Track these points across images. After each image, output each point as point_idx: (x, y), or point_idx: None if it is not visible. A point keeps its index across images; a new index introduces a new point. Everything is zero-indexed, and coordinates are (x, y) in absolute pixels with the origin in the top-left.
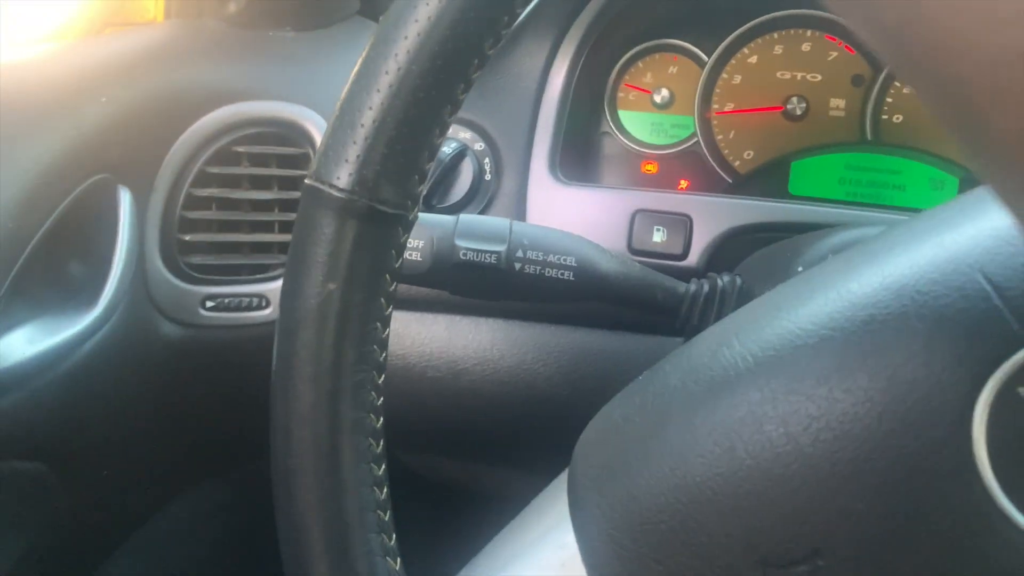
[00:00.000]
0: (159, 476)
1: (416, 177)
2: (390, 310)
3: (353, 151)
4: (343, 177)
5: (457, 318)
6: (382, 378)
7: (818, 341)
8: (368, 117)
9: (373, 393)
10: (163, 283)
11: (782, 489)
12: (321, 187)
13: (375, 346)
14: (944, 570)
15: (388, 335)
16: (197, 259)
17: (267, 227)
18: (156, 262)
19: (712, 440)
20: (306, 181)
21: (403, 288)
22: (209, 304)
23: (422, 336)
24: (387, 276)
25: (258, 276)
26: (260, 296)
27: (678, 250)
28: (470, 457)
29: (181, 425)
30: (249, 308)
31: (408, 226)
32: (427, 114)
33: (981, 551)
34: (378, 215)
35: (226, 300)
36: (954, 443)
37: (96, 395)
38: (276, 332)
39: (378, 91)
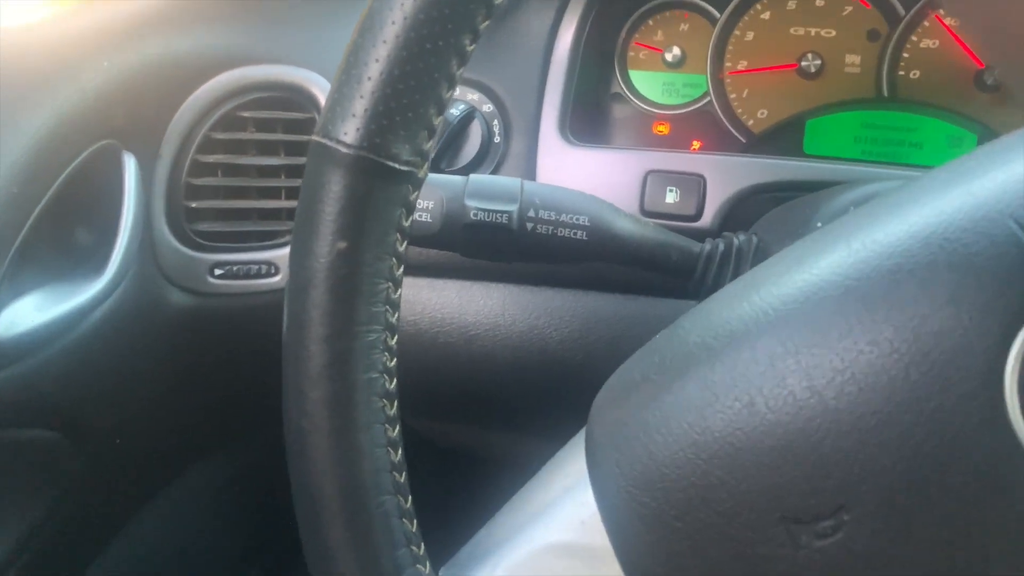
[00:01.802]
0: (173, 445)
1: (425, 132)
2: (401, 271)
3: (360, 105)
4: (350, 132)
5: (468, 283)
6: (395, 340)
7: (842, 293)
8: (375, 70)
9: (386, 354)
10: (170, 251)
11: (805, 444)
12: (328, 143)
13: (387, 307)
14: (972, 523)
15: (400, 296)
16: (204, 226)
17: (274, 193)
18: (163, 229)
19: (732, 395)
20: (313, 138)
21: (414, 253)
22: (217, 272)
23: (433, 302)
24: (397, 235)
25: (266, 243)
26: (269, 263)
27: (691, 211)
28: (483, 423)
29: (193, 394)
30: (258, 275)
31: (418, 183)
32: (435, 66)
33: (1011, 503)
34: (387, 171)
35: (234, 267)
36: (984, 395)
37: (107, 363)
38: (286, 292)
39: (384, 42)
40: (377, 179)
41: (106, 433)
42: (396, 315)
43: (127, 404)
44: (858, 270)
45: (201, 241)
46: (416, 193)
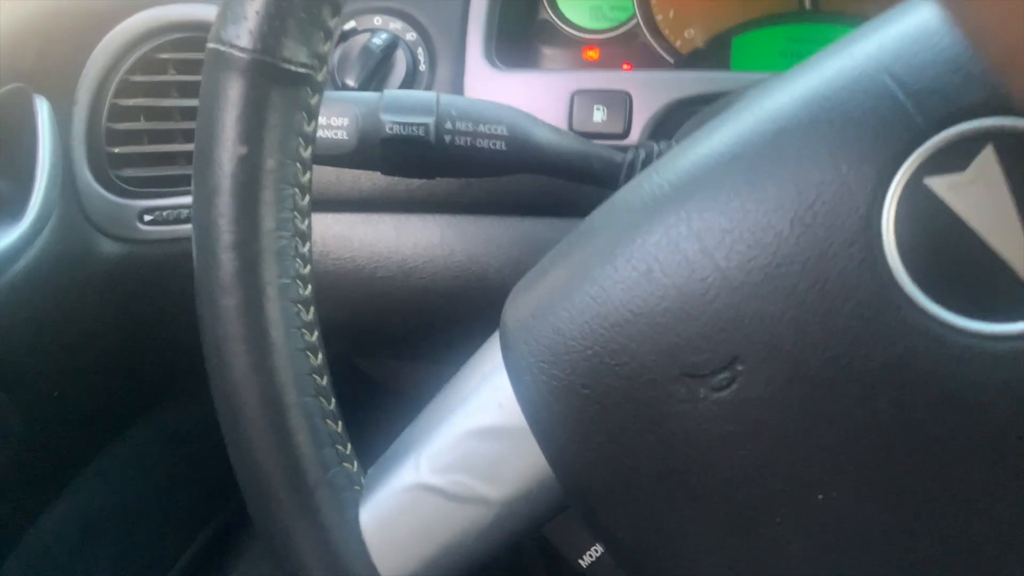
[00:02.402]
0: (115, 399)
1: (321, 34)
2: (307, 177)
3: (251, 7)
4: (243, 36)
5: (404, 216)
6: (307, 247)
7: (730, 159)
8: None
9: (298, 261)
10: (96, 198)
11: (699, 302)
12: (222, 48)
13: (295, 212)
14: (855, 358)
15: (309, 204)
16: (130, 172)
17: None
18: (86, 176)
19: (630, 266)
20: (208, 45)
21: (346, 187)
22: (147, 218)
23: (369, 237)
24: (300, 140)
25: None
26: None
27: (619, 128)
28: (427, 357)
29: (132, 344)
30: (189, 220)
31: (317, 86)
32: None
33: (889, 337)
34: (283, 74)
35: (164, 212)
36: (863, 239)
37: (37, 315)
38: (192, 203)
39: None
40: (274, 82)
41: (44, 387)
42: (306, 222)
43: (63, 356)
44: (744, 137)
45: (128, 187)
46: (316, 96)
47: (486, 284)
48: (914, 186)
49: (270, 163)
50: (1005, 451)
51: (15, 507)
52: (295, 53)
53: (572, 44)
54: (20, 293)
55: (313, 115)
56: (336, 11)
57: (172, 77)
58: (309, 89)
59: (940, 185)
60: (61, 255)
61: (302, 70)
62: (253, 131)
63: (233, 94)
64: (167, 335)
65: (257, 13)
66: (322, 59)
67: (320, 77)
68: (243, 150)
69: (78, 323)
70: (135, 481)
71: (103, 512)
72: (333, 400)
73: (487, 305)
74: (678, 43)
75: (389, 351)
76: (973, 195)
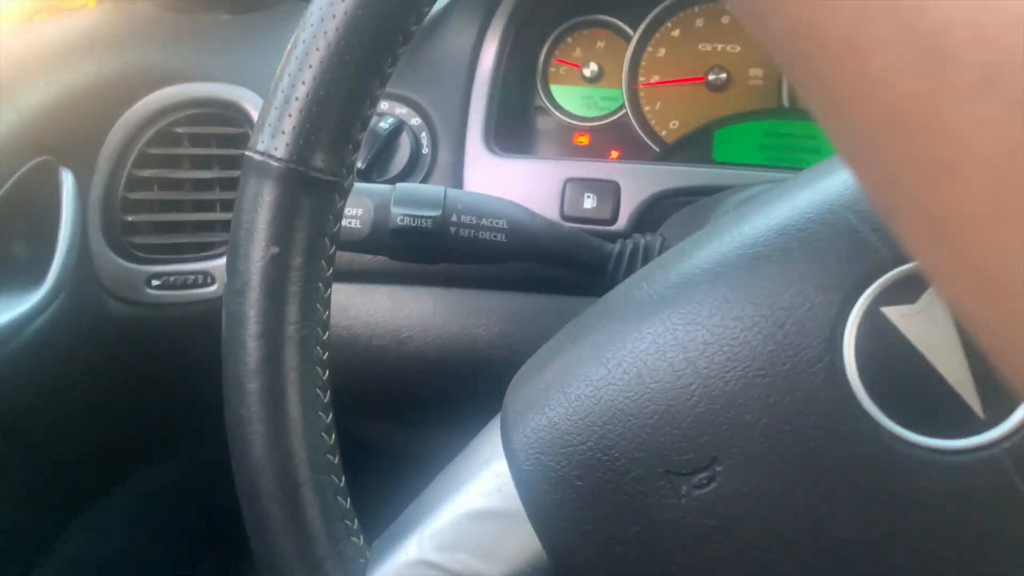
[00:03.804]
0: (113, 453)
1: (350, 146)
2: (330, 271)
3: (289, 123)
4: (280, 148)
5: (399, 288)
6: (326, 334)
7: (712, 278)
8: (302, 91)
9: (319, 348)
10: (108, 263)
11: (682, 407)
12: (260, 158)
13: (318, 304)
14: (818, 465)
15: (330, 295)
16: (140, 239)
17: (209, 206)
18: (100, 242)
19: (621, 369)
20: (246, 153)
21: (346, 260)
22: (155, 283)
23: (366, 307)
24: (326, 239)
25: (202, 254)
26: (205, 273)
27: (607, 215)
28: (417, 422)
29: (133, 402)
30: (195, 285)
31: (344, 192)
32: (356, 87)
33: (848, 445)
34: (315, 182)
35: (171, 278)
36: (827, 358)
37: (47, 373)
38: (224, 294)
39: (310, 67)
40: (306, 189)
41: (46, 441)
42: (327, 312)
43: (68, 412)
44: (726, 258)
45: (138, 253)
46: (343, 201)
47: (474, 354)
48: (872, 313)
49: (298, 261)
50: (945, 551)
51: (13, 555)
52: (326, 164)
53: (565, 130)
54: (32, 354)
55: (339, 217)
56: (364, 126)
57: (186, 150)
58: (337, 195)
59: (894, 314)
60: (73, 317)
61: (332, 178)
62: (285, 233)
63: (268, 198)
64: (165, 394)
65: (294, 128)
66: (350, 168)
67: (347, 184)
68: (275, 250)
69: (85, 382)
70: (129, 530)
71: (96, 561)
72: (343, 478)
73: (475, 374)
74: (663, 133)
75: (378, 415)
76: (922, 324)
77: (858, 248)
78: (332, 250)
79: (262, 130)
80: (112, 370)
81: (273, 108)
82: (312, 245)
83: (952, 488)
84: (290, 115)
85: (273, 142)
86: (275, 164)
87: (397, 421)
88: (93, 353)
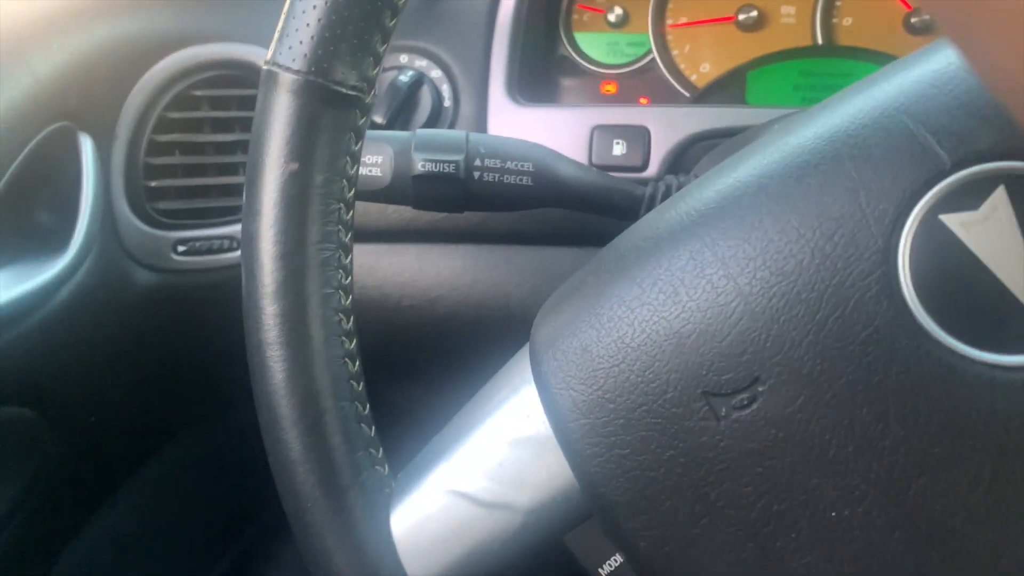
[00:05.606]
0: (147, 422)
1: (371, 59)
2: (352, 193)
3: (307, 33)
4: (298, 59)
5: (428, 247)
6: (349, 259)
7: (756, 190)
8: (320, 0)
9: (340, 272)
10: (132, 230)
11: (722, 324)
12: (277, 70)
13: (340, 226)
14: (870, 383)
15: (352, 218)
16: (165, 204)
17: (232, 169)
18: (124, 209)
19: (657, 288)
20: (263, 67)
21: (372, 218)
22: (180, 248)
23: (394, 267)
24: (347, 158)
25: (227, 218)
26: (231, 238)
27: (638, 162)
28: (450, 383)
29: (163, 370)
30: (220, 250)
31: (365, 109)
32: None
33: (903, 364)
34: (334, 95)
35: (197, 243)
36: (880, 271)
37: (76, 342)
38: (243, 214)
39: None
40: (326, 103)
41: (80, 411)
42: (349, 235)
43: (99, 381)
44: (771, 169)
45: (162, 219)
46: (365, 118)
47: (508, 312)
48: (930, 222)
49: (319, 179)
50: (1009, 474)
51: (50, 531)
52: (347, 76)
53: (591, 78)
54: (61, 322)
55: (360, 135)
56: (385, 38)
57: (206, 113)
58: (358, 111)
59: (954, 222)
60: (99, 284)
61: (352, 92)
62: (304, 148)
63: (287, 112)
64: (197, 361)
65: (312, 38)
66: (370, 83)
67: (368, 100)
68: (294, 166)
69: (114, 350)
70: (165, 502)
71: (135, 533)
72: (368, 405)
73: (508, 332)
74: (694, 77)
75: (410, 375)
76: (985, 232)
77: (915, 152)
78: (354, 169)
79: (279, 41)
80: (142, 338)
81: (290, 18)
82: (333, 163)
83: (1018, 408)
84: (308, 25)
85: (290, 53)
86: (293, 76)
87: (429, 382)
88: (122, 321)
